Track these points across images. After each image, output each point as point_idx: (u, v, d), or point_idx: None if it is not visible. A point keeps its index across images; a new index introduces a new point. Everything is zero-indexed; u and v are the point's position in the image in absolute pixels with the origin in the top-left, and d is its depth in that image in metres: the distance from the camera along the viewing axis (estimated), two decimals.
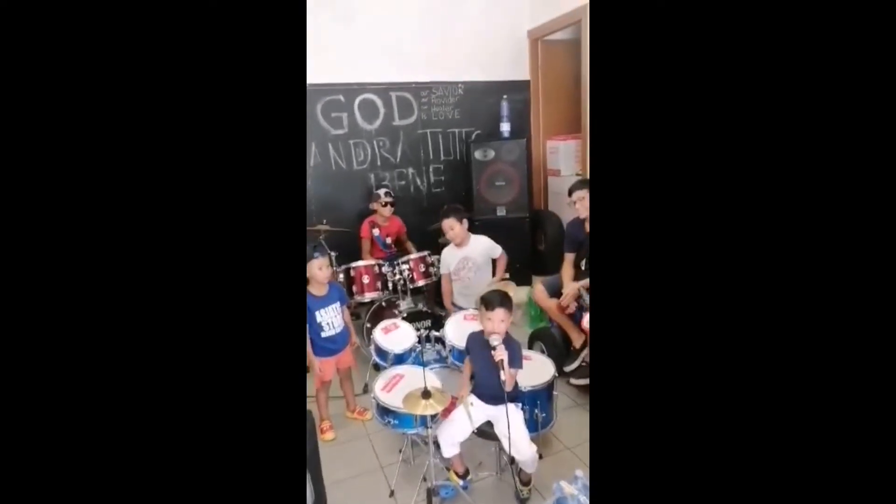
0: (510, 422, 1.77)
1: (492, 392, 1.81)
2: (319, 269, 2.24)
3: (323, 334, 2.30)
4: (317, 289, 2.29)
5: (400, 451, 2.20)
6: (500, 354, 1.71)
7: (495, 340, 1.74)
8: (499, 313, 1.77)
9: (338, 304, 2.36)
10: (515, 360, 1.79)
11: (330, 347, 2.33)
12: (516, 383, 1.86)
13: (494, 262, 2.91)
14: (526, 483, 1.94)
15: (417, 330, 2.50)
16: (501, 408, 1.78)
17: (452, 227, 2.78)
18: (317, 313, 2.27)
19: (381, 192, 3.47)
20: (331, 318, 2.31)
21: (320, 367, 2.32)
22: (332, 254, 3.00)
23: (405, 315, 2.83)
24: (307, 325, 2.25)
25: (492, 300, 1.81)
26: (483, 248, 2.84)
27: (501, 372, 1.71)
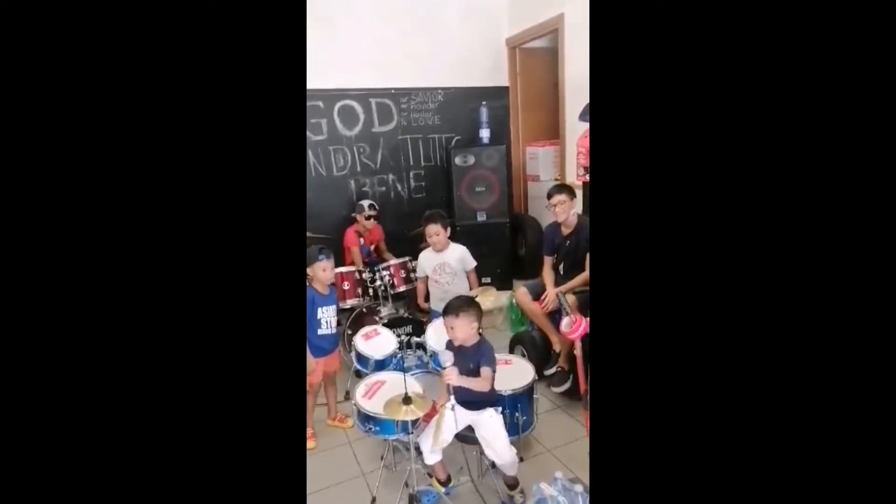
0: (489, 427, 1.78)
1: (470, 398, 1.82)
2: (324, 271, 2.31)
3: (320, 331, 2.33)
4: (320, 288, 2.34)
5: (382, 458, 2.19)
6: (449, 377, 1.69)
7: (447, 362, 1.73)
8: (459, 320, 1.76)
9: (334, 307, 2.39)
10: (488, 362, 1.76)
11: (323, 347, 2.35)
12: (494, 388, 1.86)
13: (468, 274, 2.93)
14: (512, 486, 1.94)
15: (398, 336, 2.50)
16: (481, 413, 1.79)
17: (438, 232, 2.79)
18: (319, 309, 2.32)
19: (366, 204, 3.44)
20: (329, 317, 2.36)
21: (313, 369, 2.31)
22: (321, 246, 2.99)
23: (386, 321, 2.82)
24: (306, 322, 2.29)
25: (450, 306, 1.81)
26: (459, 255, 2.86)
27: (451, 396, 1.69)
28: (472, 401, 1.82)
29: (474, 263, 2.89)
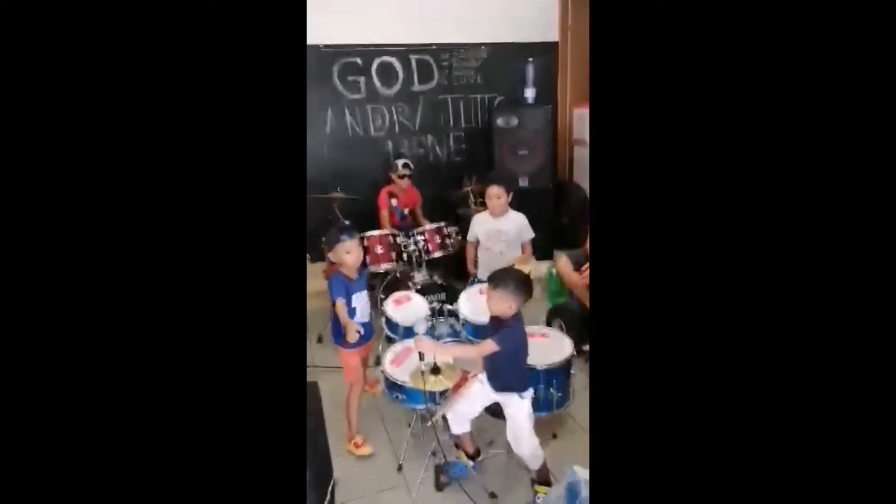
0: (512, 413, 1.68)
1: (497, 380, 1.71)
2: (348, 253, 1.92)
3: (354, 320, 1.98)
4: (349, 272, 1.98)
5: (409, 426, 2.14)
6: (420, 345, 1.65)
7: (420, 327, 1.67)
8: (495, 293, 1.62)
9: (367, 292, 2.06)
10: (497, 338, 1.60)
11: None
12: (525, 372, 1.73)
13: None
14: (544, 482, 1.79)
15: (430, 303, 2.41)
16: (508, 395, 1.69)
17: (500, 195, 2.54)
18: (352, 297, 1.98)
19: (399, 163, 3.31)
20: (363, 305, 2.02)
21: (347, 363, 2.04)
22: (347, 222, 2.90)
23: (419, 287, 2.74)
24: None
25: (493, 276, 1.68)
26: (518, 225, 2.61)
27: (421, 363, 1.66)
28: (497, 383, 1.71)
29: (532, 235, 2.64)
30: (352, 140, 3.69)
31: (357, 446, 2.07)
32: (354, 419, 2.09)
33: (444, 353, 1.68)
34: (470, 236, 2.76)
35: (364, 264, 2.14)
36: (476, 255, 2.77)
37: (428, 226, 3.00)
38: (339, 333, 1.98)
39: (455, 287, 2.87)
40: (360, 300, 2.01)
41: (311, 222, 3.69)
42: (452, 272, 3.39)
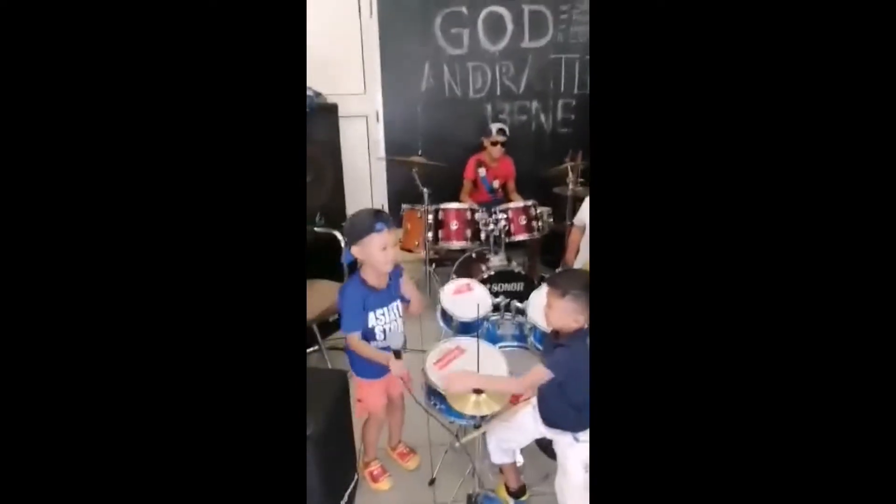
0: (563, 459, 1.32)
1: (546, 411, 1.34)
2: (383, 250, 1.41)
3: (374, 345, 1.51)
4: (375, 278, 1.47)
5: (456, 436, 1.86)
6: (395, 368, 1.39)
7: (396, 342, 1.38)
8: (563, 302, 1.24)
9: (399, 303, 1.55)
10: (551, 362, 1.25)
11: (380, 365, 1.52)
12: (580, 405, 1.31)
13: None
14: None
15: (496, 295, 2.06)
16: (560, 434, 1.31)
17: None
18: (371, 315, 1.48)
19: (494, 127, 2.98)
20: (389, 322, 1.52)
21: (365, 395, 1.60)
22: (426, 190, 2.63)
23: (493, 273, 2.40)
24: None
25: (559, 279, 1.29)
26: None
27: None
28: (546, 410, 1.34)
29: None
30: (448, 101, 3.37)
31: (374, 478, 1.71)
32: (372, 448, 1.73)
33: (481, 386, 1.33)
34: (576, 220, 2.40)
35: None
36: (578, 245, 2.39)
37: (514, 204, 2.62)
38: (359, 361, 1.53)
39: (540, 276, 2.50)
40: (386, 317, 1.50)
41: (390, 185, 3.54)
42: (540, 257, 3.00)
